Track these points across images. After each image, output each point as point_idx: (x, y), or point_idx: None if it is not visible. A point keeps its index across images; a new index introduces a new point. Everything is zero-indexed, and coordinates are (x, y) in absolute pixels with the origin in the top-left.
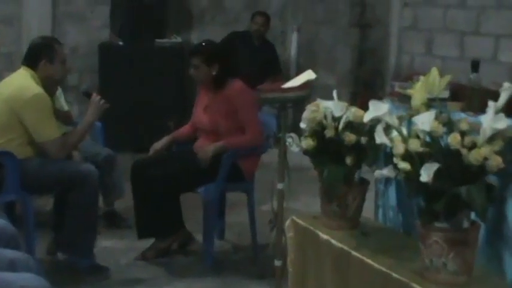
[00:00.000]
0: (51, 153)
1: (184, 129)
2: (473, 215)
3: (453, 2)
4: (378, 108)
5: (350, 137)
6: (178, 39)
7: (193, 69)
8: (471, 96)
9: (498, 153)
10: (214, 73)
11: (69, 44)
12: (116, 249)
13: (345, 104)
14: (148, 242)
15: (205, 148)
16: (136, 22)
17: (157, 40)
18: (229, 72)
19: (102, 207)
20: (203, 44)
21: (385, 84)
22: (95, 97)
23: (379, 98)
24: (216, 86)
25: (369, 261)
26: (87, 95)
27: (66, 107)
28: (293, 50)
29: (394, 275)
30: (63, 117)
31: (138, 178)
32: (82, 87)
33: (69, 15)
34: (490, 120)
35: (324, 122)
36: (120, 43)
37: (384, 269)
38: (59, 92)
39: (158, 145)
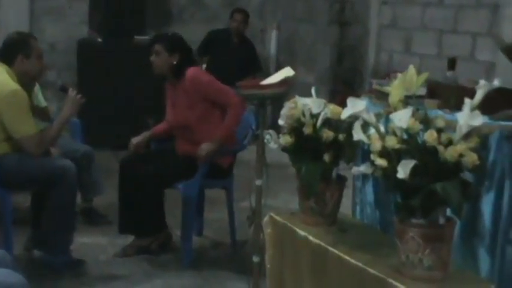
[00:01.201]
0: (28, 149)
1: (162, 126)
2: (449, 212)
3: (431, 1)
4: (355, 106)
5: (328, 134)
6: None
7: (155, 55)
8: (447, 94)
9: (474, 150)
10: (174, 62)
11: (48, 40)
12: (94, 245)
13: (323, 101)
14: (126, 239)
15: (200, 149)
16: (116, 19)
17: (137, 37)
18: (189, 64)
19: (80, 204)
20: (168, 33)
21: (364, 81)
22: (72, 92)
23: (358, 96)
24: (175, 76)
25: (346, 257)
26: (64, 90)
27: (44, 103)
28: (272, 47)
29: (371, 270)
30: (40, 114)
31: (126, 175)
32: (58, 82)
33: (47, 11)
34: (466, 118)
35: (302, 119)
36: (99, 40)
37: (360, 265)
38: (37, 88)
39: (136, 139)
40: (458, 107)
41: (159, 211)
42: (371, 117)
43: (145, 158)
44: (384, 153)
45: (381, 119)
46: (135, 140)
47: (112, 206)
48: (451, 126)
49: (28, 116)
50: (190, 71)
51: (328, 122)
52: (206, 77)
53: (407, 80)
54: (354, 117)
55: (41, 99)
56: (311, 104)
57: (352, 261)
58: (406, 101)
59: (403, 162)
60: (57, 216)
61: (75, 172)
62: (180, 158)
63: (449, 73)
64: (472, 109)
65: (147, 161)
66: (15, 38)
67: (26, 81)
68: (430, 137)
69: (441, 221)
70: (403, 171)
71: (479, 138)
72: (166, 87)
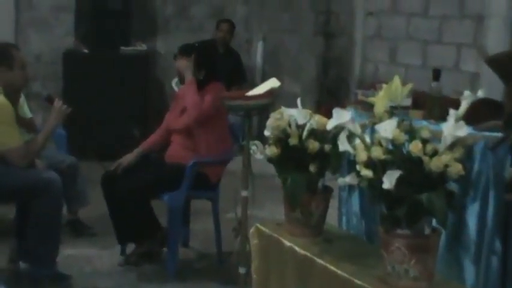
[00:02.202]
0: (13, 161)
1: (153, 138)
2: (434, 222)
3: (416, 11)
4: (340, 116)
5: (314, 145)
6: (143, 47)
7: (182, 65)
8: (432, 104)
9: (458, 160)
10: (200, 78)
11: (33, 51)
12: (79, 257)
13: (309, 111)
14: (112, 250)
15: None
16: (101, 30)
17: (122, 48)
18: (213, 79)
19: (66, 216)
20: (196, 45)
21: (349, 92)
22: (57, 103)
23: (343, 106)
24: (197, 88)
25: (332, 268)
26: (50, 100)
27: (29, 115)
28: (258, 58)
29: (357, 281)
30: (26, 125)
31: (109, 190)
32: (44, 93)
33: (32, 22)
34: (451, 128)
35: (288, 129)
36: (85, 51)
37: (346, 276)
38: (22, 99)
39: (125, 162)
40: (443, 117)
41: (150, 216)
42: (356, 128)
43: (128, 172)
44: (370, 163)
45: (366, 129)
46: (126, 161)
47: (98, 217)
48: (436, 136)
49: (13, 128)
50: (214, 85)
51: (313, 133)
52: (215, 94)
53: (392, 91)
54: (339, 128)
55: (26, 111)
56: (297, 114)
57: (338, 271)
58: (391, 111)
59: (388, 172)
60: (42, 228)
61: (60, 184)
62: (165, 168)
63: (434, 84)
64: (457, 120)
65: (131, 175)
66: None
67: (11, 93)
68: (415, 147)
69: (426, 231)
70: (388, 181)
71: (464, 149)
72: (178, 93)
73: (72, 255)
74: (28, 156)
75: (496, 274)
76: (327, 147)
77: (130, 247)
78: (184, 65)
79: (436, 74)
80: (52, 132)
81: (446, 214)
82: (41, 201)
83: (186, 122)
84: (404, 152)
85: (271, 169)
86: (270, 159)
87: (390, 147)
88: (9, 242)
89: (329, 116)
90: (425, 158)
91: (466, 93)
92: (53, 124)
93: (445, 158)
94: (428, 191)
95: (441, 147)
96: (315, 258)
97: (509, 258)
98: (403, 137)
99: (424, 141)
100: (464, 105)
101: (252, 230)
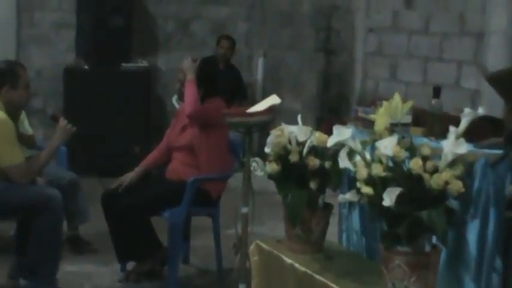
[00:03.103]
0: (15, 178)
1: (154, 155)
2: (434, 239)
3: (417, 29)
4: (341, 133)
5: (314, 162)
6: (145, 64)
7: (181, 85)
8: (432, 122)
9: (459, 177)
10: (200, 94)
11: (34, 67)
12: (79, 273)
13: (309, 128)
14: (112, 267)
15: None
16: (102, 46)
17: (123, 64)
18: (212, 96)
19: (66, 232)
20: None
21: (350, 109)
22: (62, 121)
23: (344, 123)
24: None
25: (333, 285)
26: (55, 119)
27: (30, 131)
28: (259, 74)
29: None
30: (26, 141)
31: (109, 208)
32: (48, 111)
33: (34, 38)
34: (451, 145)
35: (289, 146)
36: (86, 67)
37: None
38: (23, 115)
39: (126, 180)
40: (443, 134)
41: (150, 234)
42: (357, 145)
43: (128, 189)
44: (370, 180)
45: (367, 146)
46: (127, 179)
47: (98, 234)
48: (436, 153)
49: (14, 145)
50: (216, 101)
51: (314, 150)
52: (215, 106)
53: (393, 108)
54: (339, 145)
55: (27, 127)
56: (297, 131)
57: None
58: (392, 128)
59: (388, 189)
60: (43, 244)
61: (61, 200)
62: (166, 185)
63: (434, 101)
64: (457, 137)
65: (130, 192)
66: (3, 68)
67: (13, 110)
68: (415, 164)
69: (427, 248)
70: (388, 198)
71: (464, 166)
72: (179, 109)
73: (72, 271)
74: (29, 173)
75: None
76: (328, 164)
77: (131, 263)
78: (188, 64)
79: (437, 91)
80: (56, 151)
81: (446, 231)
82: (41, 217)
83: (188, 138)
84: (405, 169)
85: (271, 186)
86: (270, 176)
87: (390, 164)
88: (9, 259)
89: (329, 132)
90: (426, 175)
91: (467, 110)
92: (57, 143)
93: (446, 175)
94: (429, 208)
95: (441, 164)
96: (315, 275)
97: (509, 275)
98: (403, 154)
99: (425, 159)
100: (464, 122)
101: (252, 247)
